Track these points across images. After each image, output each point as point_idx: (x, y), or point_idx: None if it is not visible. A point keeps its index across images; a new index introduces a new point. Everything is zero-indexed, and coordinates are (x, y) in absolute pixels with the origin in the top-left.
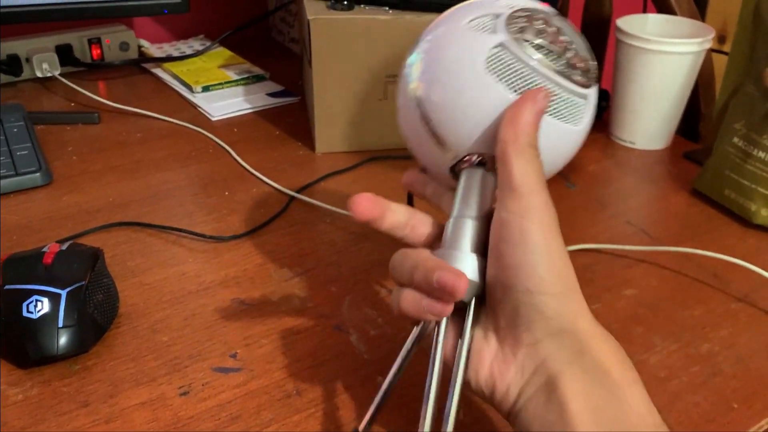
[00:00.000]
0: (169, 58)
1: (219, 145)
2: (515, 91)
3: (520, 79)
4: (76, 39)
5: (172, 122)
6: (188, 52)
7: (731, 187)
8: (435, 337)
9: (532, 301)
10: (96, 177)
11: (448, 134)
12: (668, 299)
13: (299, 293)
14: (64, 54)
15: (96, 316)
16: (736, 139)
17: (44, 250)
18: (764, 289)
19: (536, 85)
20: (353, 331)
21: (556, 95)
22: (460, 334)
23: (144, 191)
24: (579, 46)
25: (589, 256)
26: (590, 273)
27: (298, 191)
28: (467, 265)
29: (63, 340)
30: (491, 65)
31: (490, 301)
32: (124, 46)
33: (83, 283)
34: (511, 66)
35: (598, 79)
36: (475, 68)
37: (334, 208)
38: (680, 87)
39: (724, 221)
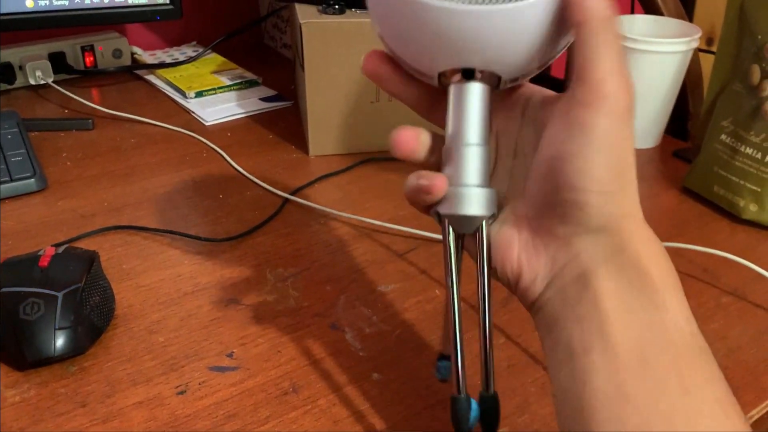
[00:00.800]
0: (162, 65)
1: (213, 149)
2: None
3: None
4: (69, 46)
5: (165, 127)
6: (181, 58)
7: (720, 184)
8: (445, 261)
9: (576, 198)
10: (91, 182)
11: (417, 64)
12: None
13: (294, 293)
14: (57, 61)
15: (92, 317)
16: (723, 137)
17: (40, 253)
18: (754, 282)
19: None
20: (348, 329)
21: None
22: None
23: (139, 195)
24: None
25: None
26: None
27: (292, 193)
28: (474, 203)
29: (60, 341)
30: None
31: (527, 188)
32: (117, 54)
33: (79, 285)
34: None
35: None
36: None
37: (328, 209)
38: (668, 86)
39: (713, 217)
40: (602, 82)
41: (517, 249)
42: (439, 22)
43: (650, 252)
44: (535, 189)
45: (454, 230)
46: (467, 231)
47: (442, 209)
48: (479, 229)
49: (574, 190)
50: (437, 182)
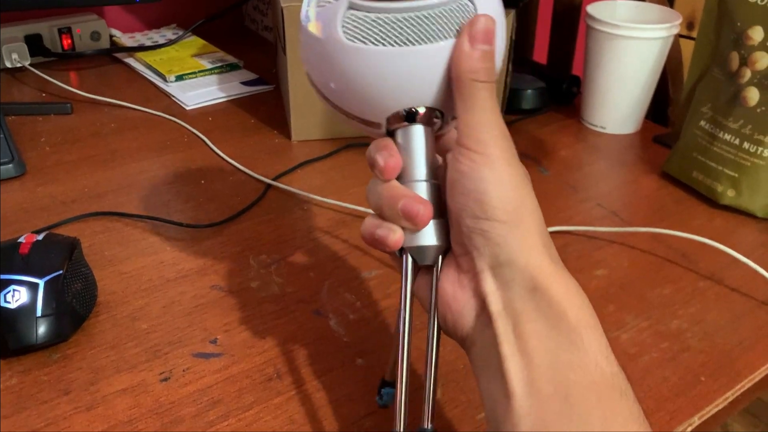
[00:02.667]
0: (142, 48)
1: (194, 134)
2: (382, 42)
3: (378, 28)
4: (45, 28)
5: (146, 112)
6: (161, 41)
7: (699, 169)
8: (402, 289)
9: (478, 226)
10: (70, 168)
11: (358, 112)
12: (638, 278)
13: (278, 279)
14: (34, 44)
15: (75, 305)
16: (702, 123)
17: (20, 240)
18: (731, 267)
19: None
20: (332, 316)
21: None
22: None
23: (119, 181)
24: None
25: (561, 238)
26: (563, 254)
27: (275, 179)
28: (429, 234)
29: (42, 329)
30: (349, 32)
31: (450, 224)
32: (95, 36)
33: (61, 272)
34: (366, 23)
35: None
36: (340, 44)
37: (311, 195)
38: (649, 72)
39: (692, 202)
40: (482, 143)
41: (448, 283)
42: (383, 66)
43: (563, 289)
44: (452, 223)
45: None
46: (424, 262)
47: (404, 243)
48: (435, 259)
49: (475, 218)
50: (395, 238)
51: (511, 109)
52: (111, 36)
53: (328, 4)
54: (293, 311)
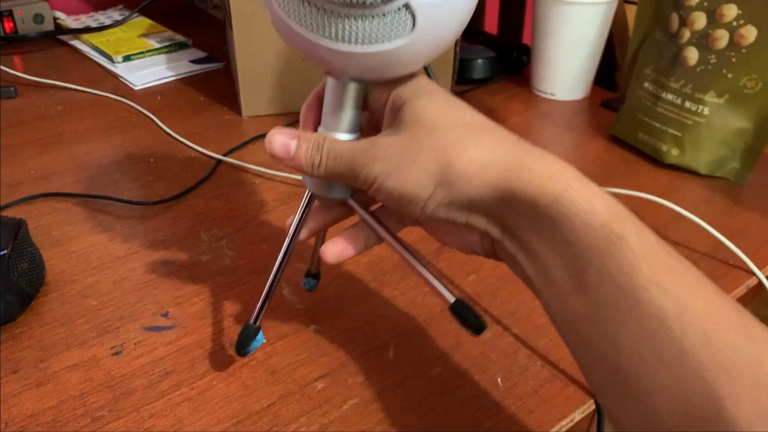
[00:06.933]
0: (88, 29)
1: (142, 113)
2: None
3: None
4: None
5: (93, 93)
6: (107, 22)
7: (644, 130)
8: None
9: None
10: (15, 151)
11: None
12: None
13: (230, 252)
14: None
15: (21, 284)
16: (646, 84)
17: None
18: (675, 222)
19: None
20: (285, 285)
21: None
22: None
23: (67, 162)
24: None
25: None
26: None
27: (226, 155)
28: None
29: None
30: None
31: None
32: (38, 19)
33: (5, 252)
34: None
35: None
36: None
37: (263, 169)
38: (595, 38)
39: (639, 163)
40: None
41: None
42: (303, 43)
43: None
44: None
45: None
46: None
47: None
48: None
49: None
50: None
51: (463, 79)
52: (55, 18)
53: None
54: (246, 282)
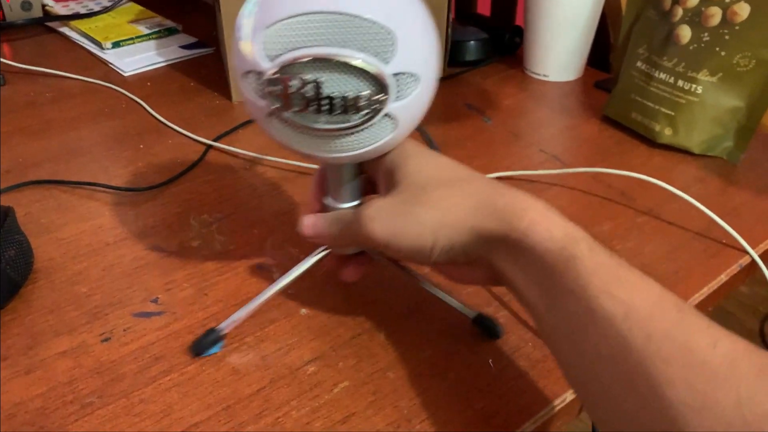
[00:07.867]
0: (76, 16)
1: (132, 99)
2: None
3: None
4: None
5: (82, 80)
6: (96, 9)
7: (637, 110)
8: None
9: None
10: (4, 139)
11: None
12: (578, 217)
13: (220, 237)
14: None
15: (9, 272)
16: (639, 63)
17: None
18: (668, 202)
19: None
20: (276, 269)
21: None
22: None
23: (56, 150)
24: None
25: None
26: None
27: (216, 140)
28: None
29: None
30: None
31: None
32: (26, 6)
33: None
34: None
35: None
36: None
37: (253, 154)
38: (588, 18)
39: (632, 143)
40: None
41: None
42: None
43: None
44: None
45: None
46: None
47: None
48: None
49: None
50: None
51: (455, 61)
52: (43, 5)
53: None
54: (236, 267)
